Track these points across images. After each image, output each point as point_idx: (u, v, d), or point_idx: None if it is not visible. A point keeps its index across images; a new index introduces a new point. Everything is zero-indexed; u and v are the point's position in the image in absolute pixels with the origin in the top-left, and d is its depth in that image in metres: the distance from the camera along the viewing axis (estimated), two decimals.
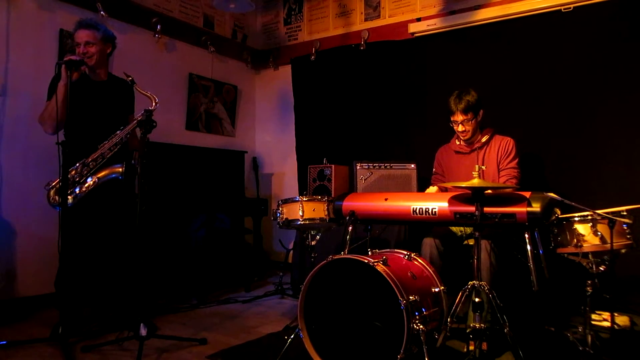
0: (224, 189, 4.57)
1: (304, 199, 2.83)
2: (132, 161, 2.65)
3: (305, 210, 2.80)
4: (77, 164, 2.69)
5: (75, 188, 2.67)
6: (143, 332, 2.38)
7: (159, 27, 4.25)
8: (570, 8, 3.59)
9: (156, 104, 2.66)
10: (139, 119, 2.59)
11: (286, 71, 5.08)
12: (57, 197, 2.67)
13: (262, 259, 4.83)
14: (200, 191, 4.30)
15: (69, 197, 2.64)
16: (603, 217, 2.18)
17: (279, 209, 2.92)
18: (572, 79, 3.57)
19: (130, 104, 3.07)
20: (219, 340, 2.78)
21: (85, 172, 2.67)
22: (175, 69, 4.55)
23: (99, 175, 2.70)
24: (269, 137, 5.38)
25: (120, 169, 2.70)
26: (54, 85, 2.77)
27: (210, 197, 4.31)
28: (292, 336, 2.41)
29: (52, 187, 2.71)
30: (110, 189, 2.78)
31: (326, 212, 2.82)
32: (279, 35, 5.23)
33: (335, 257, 2.21)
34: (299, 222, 2.82)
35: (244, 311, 3.50)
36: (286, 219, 2.85)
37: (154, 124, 2.60)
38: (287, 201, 2.90)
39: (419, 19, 4.29)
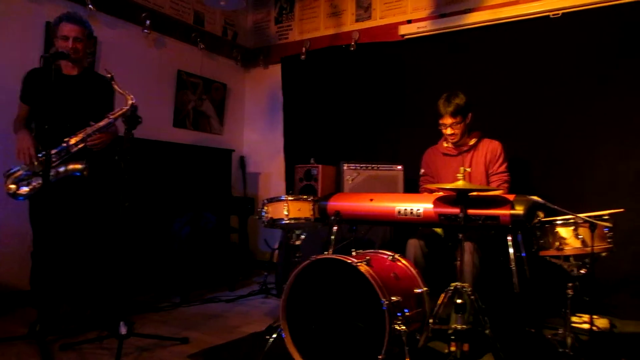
0: (210, 187, 4.55)
1: (290, 199, 2.81)
2: (115, 156, 2.61)
3: (291, 210, 2.78)
4: (40, 155, 2.60)
5: (32, 180, 2.63)
6: (123, 330, 2.35)
7: (148, 22, 4.22)
8: (558, 14, 3.63)
9: (132, 103, 2.56)
10: (118, 115, 2.56)
11: (276, 70, 5.07)
12: (11, 186, 2.63)
13: (248, 259, 4.80)
14: (186, 189, 4.27)
15: (26, 188, 2.61)
16: (585, 221, 2.19)
17: (264, 208, 2.90)
18: (559, 84, 3.60)
19: (109, 101, 2.97)
20: (201, 339, 2.75)
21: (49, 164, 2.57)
22: (164, 65, 4.51)
23: (60, 170, 2.64)
24: (257, 136, 5.36)
25: (81, 166, 2.65)
26: (29, 83, 2.75)
27: (196, 195, 4.29)
28: (274, 336, 2.40)
29: (9, 175, 2.66)
30: (76, 186, 2.73)
31: (312, 212, 2.80)
32: (269, 34, 5.22)
33: (318, 257, 2.20)
34: (284, 222, 2.80)
35: (228, 311, 3.47)
36: (271, 218, 2.83)
37: (139, 119, 2.57)
38: (272, 200, 2.88)
39: (409, 21, 4.30)
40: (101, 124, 2.67)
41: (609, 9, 3.44)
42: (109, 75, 2.55)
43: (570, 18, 3.58)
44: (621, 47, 3.39)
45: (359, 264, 2.09)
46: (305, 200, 2.82)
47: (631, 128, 3.36)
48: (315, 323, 2.23)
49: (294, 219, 2.79)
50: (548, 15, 3.66)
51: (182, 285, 3.73)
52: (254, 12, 5.33)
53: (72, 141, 2.64)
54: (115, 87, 2.56)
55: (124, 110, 2.59)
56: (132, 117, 2.53)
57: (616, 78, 3.41)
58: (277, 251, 4.11)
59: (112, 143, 2.81)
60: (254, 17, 5.34)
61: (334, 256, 2.17)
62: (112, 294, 2.83)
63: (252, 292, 4.00)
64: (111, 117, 2.65)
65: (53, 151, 2.60)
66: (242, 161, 5.14)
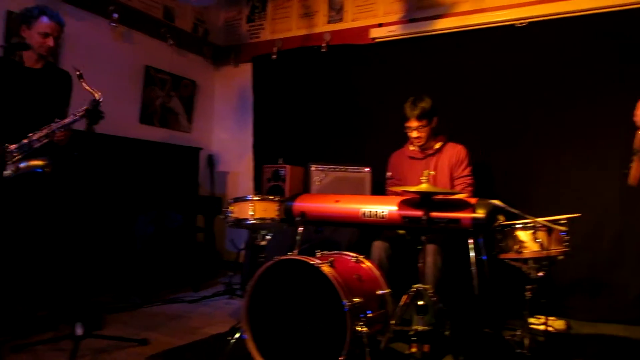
0: (177, 185, 4.47)
1: (256, 199, 2.79)
2: (75, 153, 2.55)
3: (257, 210, 2.77)
4: None
5: None
6: (79, 331, 2.29)
7: (116, 15, 4.13)
8: (524, 23, 3.72)
9: (99, 100, 2.49)
10: (84, 112, 2.50)
11: (247, 69, 5.03)
12: None
13: (214, 259, 4.74)
14: (152, 187, 4.18)
15: None
16: (543, 225, 2.25)
17: (229, 208, 2.87)
18: (523, 91, 3.69)
19: (67, 96, 2.90)
20: (161, 340, 2.70)
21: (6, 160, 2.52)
22: (132, 60, 4.42)
23: (21, 165, 2.55)
24: (227, 135, 5.30)
25: (43, 163, 2.56)
26: None
27: (162, 194, 4.21)
28: (235, 337, 2.37)
29: None
30: (35, 182, 2.64)
31: (277, 213, 2.80)
32: (241, 32, 5.18)
33: (281, 258, 2.19)
34: (249, 222, 2.78)
35: (191, 311, 3.42)
36: (236, 218, 2.81)
37: (102, 115, 2.50)
38: (238, 200, 2.86)
39: (380, 25, 4.33)
40: (67, 120, 2.60)
41: (572, 19, 3.55)
42: (78, 73, 2.49)
43: (535, 27, 3.67)
44: (584, 57, 3.50)
45: (322, 265, 2.09)
46: (271, 200, 2.81)
47: (591, 137, 3.46)
48: (278, 324, 2.21)
49: (260, 219, 2.78)
50: (514, 24, 3.74)
51: (145, 286, 3.65)
52: (226, 9, 5.28)
53: (36, 137, 2.57)
54: (83, 84, 2.50)
55: (87, 106, 2.51)
56: (94, 112, 2.46)
57: (578, 87, 3.51)
58: (243, 251, 4.07)
59: (71, 138, 2.72)
60: (225, 14, 5.29)
61: (297, 257, 2.16)
62: (70, 294, 2.75)
63: (216, 292, 3.95)
64: (77, 114, 2.58)
65: (14, 146, 2.53)
66: (211, 160, 5.08)
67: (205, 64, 5.21)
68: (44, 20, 2.69)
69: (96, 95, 2.49)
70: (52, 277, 2.83)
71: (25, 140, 2.55)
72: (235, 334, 2.43)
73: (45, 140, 2.59)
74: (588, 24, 3.49)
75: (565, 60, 3.56)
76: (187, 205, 4.32)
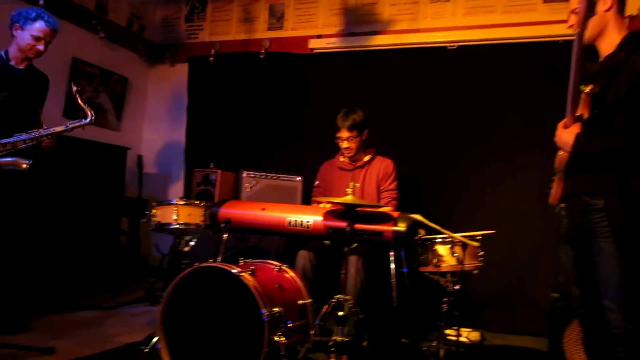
0: (100, 186, 4.25)
1: (180, 203, 2.71)
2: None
3: (180, 215, 2.68)
4: None
5: None
6: None
7: (42, 1, 3.89)
8: (454, 46, 3.89)
9: (92, 119, 2.64)
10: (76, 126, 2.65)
11: (183, 69, 4.91)
12: None
13: (138, 263, 4.55)
14: (72, 186, 3.95)
15: None
16: (458, 240, 2.33)
17: (152, 211, 2.77)
18: (452, 110, 3.85)
19: (43, 99, 2.99)
20: (70, 349, 2.54)
21: None
22: (57, 51, 4.11)
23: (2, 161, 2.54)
24: (158, 136, 5.12)
25: (25, 165, 2.55)
26: None
27: (82, 194, 3.98)
28: (150, 346, 2.28)
29: None
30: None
31: (202, 218, 2.72)
32: (178, 31, 5.04)
33: (200, 265, 2.14)
34: (172, 226, 2.69)
35: (107, 318, 3.26)
36: (159, 222, 2.71)
37: None
38: (161, 203, 2.76)
39: (319, 36, 4.37)
40: (58, 129, 2.66)
41: (498, 46, 3.76)
42: (75, 89, 2.61)
43: (465, 50, 3.85)
44: (508, 81, 3.71)
45: (242, 273, 2.06)
46: (197, 205, 2.73)
47: (513, 156, 3.66)
48: (195, 333, 2.15)
49: (183, 224, 2.70)
50: (446, 46, 3.90)
51: (59, 290, 3.44)
52: (164, 6, 5.12)
53: (22, 138, 2.59)
54: (78, 100, 2.61)
55: (83, 123, 2.66)
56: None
57: (502, 109, 3.71)
58: (167, 257, 3.94)
59: None
60: (163, 11, 5.13)
61: (216, 265, 2.12)
62: None
63: (136, 299, 3.78)
64: (69, 125, 2.66)
65: None
66: (140, 160, 4.87)
67: (139, 61, 5.02)
68: (40, 24, 2.73)
69: (90, 113, 2.62)
70: None
71: (10, 139, 2.57)
72: (150, 343, 2.34)
73: (31, 143, 2.63)
74: (513, 51, 3.70)
75: (491, 83, 3.76)
76: (110, 207, 4.12)
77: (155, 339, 2.25)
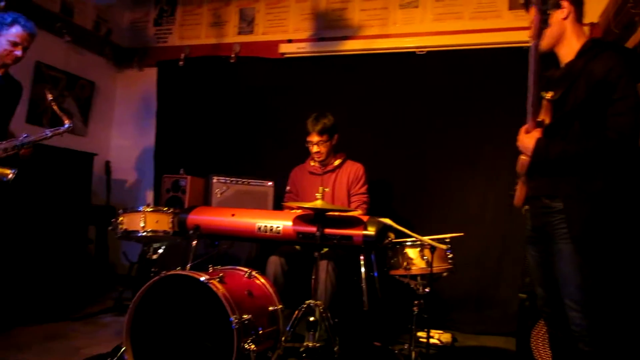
0: (66, 193, 4.14)
1: (148, 210, 2.65)
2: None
3: (148, 222, 2.62)
4: None
5: None
6: None
7: (3, 3, 3.77)
8: (423, 51, 3.94)
9: (65, 130, 2.70)
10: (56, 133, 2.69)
11: (152, 73, 4.83)
12: None
13: (107, 272, 4.44)
14: (36, 194, 3.84)
15: None
16: (427, 243, 2.35)
17: (119, 219, 2.71)
18: (422, 114, 3.90)
19: (15, 106, 2.95)
20: None
21: None
22: None
23: None
24: (127, 141, 5.02)
25: (11, 174, 2.58)
26: None
27: (47, 202, 3.87)
28: (116, 358, 2.22)
29: None
30: None
31: (170, 225, 2.68)
32: (147, 35, 4.97)
33: (168, 273, 2.10)
34: (139, 234, 2.64)
35: (73, 330, 3.16)
36: (126, 229, 2.65)
37: None
38: (128, 211, 2.71)
39: (290, 41, 4.37)
40: (38, 137, 2.67)
41: (465, 51, 3.82)
42: (50, 97, 2.65)
43: (434, 56, 3.91)
44: (476, 86, 3.77)
45: (210, 280, 2.03)
46: (165, 212, 2.69)
47: (480, 159, 3.72)
48: (164, 342, 2.11)
49: (151, 231, 2.65)
50: (415, 52, 3.95)
51: (21, 302, 3.32)
52: (132, 10, 5.04)
53: (2, 146, 2.59)
54: (55, 107, 2.65)
55: (62, 130, 2.72)
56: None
57: (469, 113, 3.77)
58: (136, 265, 3.86)
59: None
60: (131, 15, 5.05)
61: (184, 272, 2.08)
62: None
63: (104, 309, 3.69)
64: (49, 132, 2.68)
65: None
66: (108, 167, 4.78)
67: (106, 65, 4.92)
68: (17, 29, 2.67)
69: (67, 121, 2.64)
70: None
71: None
72: (118, 354, 2.28)
73: (12, 152, 2.62)
74: (480, 57, 3.78)
75: (459, 88, 3.82)
76: (76, 214, 4.01)
77: (122, 350, 2.19)
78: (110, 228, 2.76)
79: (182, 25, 4.85)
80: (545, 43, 1.76)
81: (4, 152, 2.58)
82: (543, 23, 1.57)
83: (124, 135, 5.05)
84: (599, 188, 1.65)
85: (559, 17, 1.75)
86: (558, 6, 1.74)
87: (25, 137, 2.63)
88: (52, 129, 2.70)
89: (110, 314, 3.60)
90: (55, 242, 3.76)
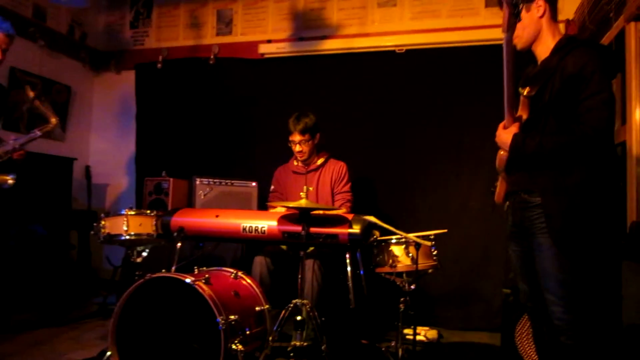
0: (46, 198, 4.07)
1: (130, 213, 2.64)
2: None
3: (131, 225, 2.61)
4: None
5: None
6: None
7: None
8: (402, 50, 3.97)
9: (53, 126, 2.72)
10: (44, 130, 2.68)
11: (130, 76, 4.77)
12: None
13: (90, 277, 4.38)
14: (13, 200, 3.76)
15: None
16: (412, 240, 2.37)
17: (101, 223, 2.68)
18: (403, 112, 3.92)
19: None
20: None
21: None
22: None
23: None
24: (107, 145, 4.96)
25: (11, 180, 2.59)
26: None
27: (26, 207, 3.80)
28: None
29: None
30: None
31: (154, 228, 2.66)
32: (123, 37, 4.91)
33: (152, 276, 2.08)
34: (122, 238, 2.62)
35: (57, 336, 3.12)
36: (108, 233, 2.63)
37: None
38: (110, 214, 2.68)
39: (269, 41, 4.36)
40: (29, 137, 2.66)
41: (443, 50, 3.87)
42: (32, 94, 2.65)
43: (413, 54, 3.94)
44: (455, 83, 3.81)
45: (196, 282, 2.02)
46: (148, 215, 2.67)
47: (461, 156, 3.76)
48: (150, 345, 2.10)
49: (134, 234, 2.63)
50: (394, 50, 3.98)
51: (3, 309, 3.25)
52: (107, 13, 4.97)
53: None
54: (39, 105, 2.67)
55: (49, 127, 2.72)
56: None
57: (449, 110, 3.81)
58: (120, 269, 3.82)
59: None
60: (106, 18, 4.98)
61: (169, 274, 2.07)
62: None
63: (88, 313, 3.64)
64: (38, 132, 2.68)
65: None
66: (88, 171, 4.71)
67: (82, 69, 4.85)
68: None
69: (53, 118, 2.65)
70: None
71: None
72: (103, 358, 2.25)
73: (5, 158, 2.61)
74: (458, 54, 3.82)
75: (439, 85, 3.85)
76: (56, 220, 3.96)
77: (108, 354, 2.17)
78: (92, 232, 2.73)
79: (159, 27, 4.80)
80: (522, 42, 1.81)
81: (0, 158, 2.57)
82: (514, 16, 1.59)
83: (103, 139, 4.99)
84: (576, 181, 1.67)
85: (535, 15, 1.79)
86: (529, 0, 1.77)
87: (15, 140, 2.58)
88: (39, 128, 2.67)
89: (94, 319, 3.56)
90: (36, 248, 3.70)
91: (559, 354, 1.74)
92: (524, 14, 1.74)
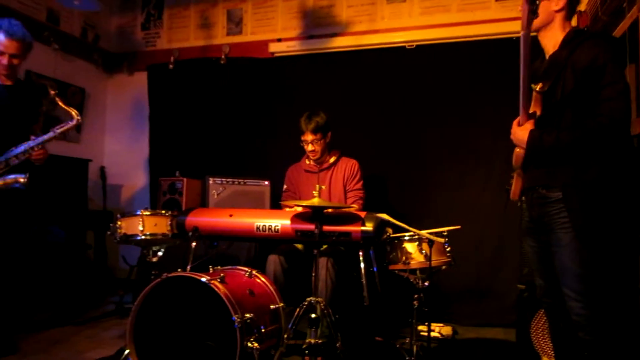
0: (63, 199, 4.13)
1: (146, 213, 2.67)
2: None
3: (146, 225, 2.64)
4: None
5: None
6: None
7: None
8: (413, 45, 3.96)
9: (78, 120, 2.66)
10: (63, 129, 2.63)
11: (142, 78, 4.82)
12: None
13: (106, 277, 4.45)
14: (33, 202, 3.83)
15: None
16: (425, 237, 2.37)
17: (117, 223, 2.72)
18: (415, 108, 3.91)
19: (37, 113, 2.90)
20: None
21: None
22: None
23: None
24: (121, 146, 5.02)
25: (23, 179, 2.56)
26: None
27: (44, 208, 3.86)
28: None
29: None
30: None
31: (169, 228, 2.69)
32: (135, 39, 4.96)
33: (169, 275, 2.11)
34: (138, 238, 2.65)
35: (75, 334, 3.17)
36: (124, 234, 2.67)
37: None
38: (126, 215, 2.72)
39: (279, 40, 4.38)
40: (45, 137, 2.62)
41: (456, 44, 3.83)
42: (53, 92, 2.58)
43: (423, 50, 3.92)
44: (467, 78, 3.78)
45: (212, 281, 2.04)
46: (163, 215, 2.71)
47: (476, 153, 3.73)
48: (167, 343, 2.13)
49: (150, 234, 2.67)
50: (404, 46, 3.97)
51: (23, 308, 3.32)
52: (119, 15, 5.02)
53: (14, 152, 2.57)
54: (59, 102, 2.58)
55: (69, 125, 2.65)
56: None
57: (462, 105, 3.78)
58: (136, 268, 3.87)
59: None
60: (118, 20, 5.03)
61: (185, 274, 2.10)
62: None
63: (105, 313, 3.70)
64: (57, 130, 2.63)
65: None
66: (103, 172, 4.77)
67: (95, 71, 4.91)
68: (2, 37, 2.61)
69: (74, 114, 2.60)
70: None
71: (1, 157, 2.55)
72: (122, 356, 2.29)
73: (24, 158, 2.60)
74: (470, 49, 3.79)
75: (451, 80, 3.82)
76: (74, 220, 4.02)
77: (126, 352, 2.20)
78: (108, 233, 2.77)
79: (170, 28, 4.84)
80: (537, 22, 1.75)
81: (15, 158, 2.57)
82: (532, 13, 1.58)
83: (117, 140, 5.05)
84: (595, 175, 1.65)
85: (551, 7, 1.76)
86: None
87: (34, 139, 2.61)
88: (59, 126, 2.65)
89: (111, 318, 3.61)
90: (55, 248, 3.76)
91: (578, 350, 1.73)
92: (542, 2, 1.72)
